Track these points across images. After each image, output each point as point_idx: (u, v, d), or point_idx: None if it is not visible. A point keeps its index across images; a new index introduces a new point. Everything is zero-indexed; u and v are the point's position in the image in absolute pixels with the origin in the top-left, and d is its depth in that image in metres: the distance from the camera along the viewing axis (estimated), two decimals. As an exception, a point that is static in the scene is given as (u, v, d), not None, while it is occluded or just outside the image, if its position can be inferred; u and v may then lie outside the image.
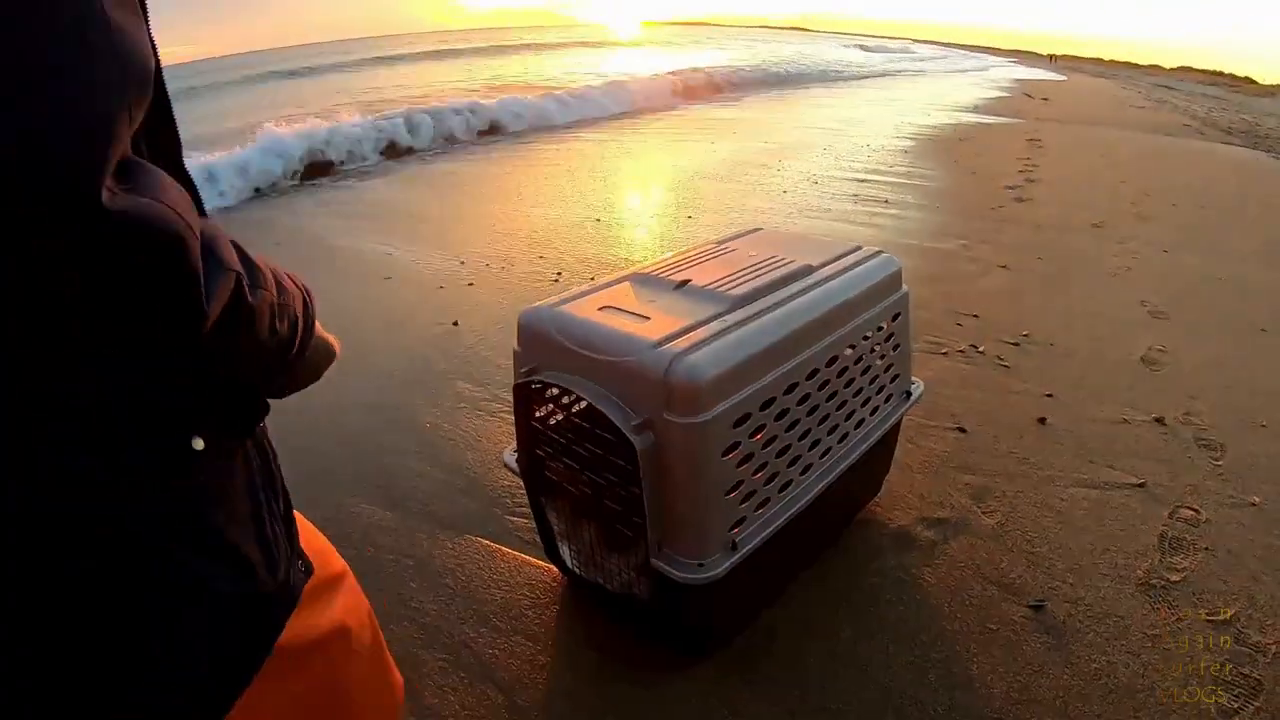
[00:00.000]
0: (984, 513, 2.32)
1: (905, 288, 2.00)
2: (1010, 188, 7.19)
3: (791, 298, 1.69)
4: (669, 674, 1.75)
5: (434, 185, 7.67)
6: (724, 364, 1.46)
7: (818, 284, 1.77)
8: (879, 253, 1.98)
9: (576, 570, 1.88)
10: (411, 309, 4.07)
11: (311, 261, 4.97)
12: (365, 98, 14.95)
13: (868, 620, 1.91)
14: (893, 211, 6.13)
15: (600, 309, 1.65)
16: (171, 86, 0.68)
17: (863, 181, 7.35)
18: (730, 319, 1.58)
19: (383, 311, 4.05)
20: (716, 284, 1.71)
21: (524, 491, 1.93)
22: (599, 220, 5.87)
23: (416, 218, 6.23)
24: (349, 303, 4.17)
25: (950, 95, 17.56)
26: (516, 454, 1.83)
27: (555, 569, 2.03)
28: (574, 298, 1.73)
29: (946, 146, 9.79)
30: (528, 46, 36.92)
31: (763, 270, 1.79)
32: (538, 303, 1.73)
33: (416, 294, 4.32)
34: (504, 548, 2.18)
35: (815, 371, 1.67)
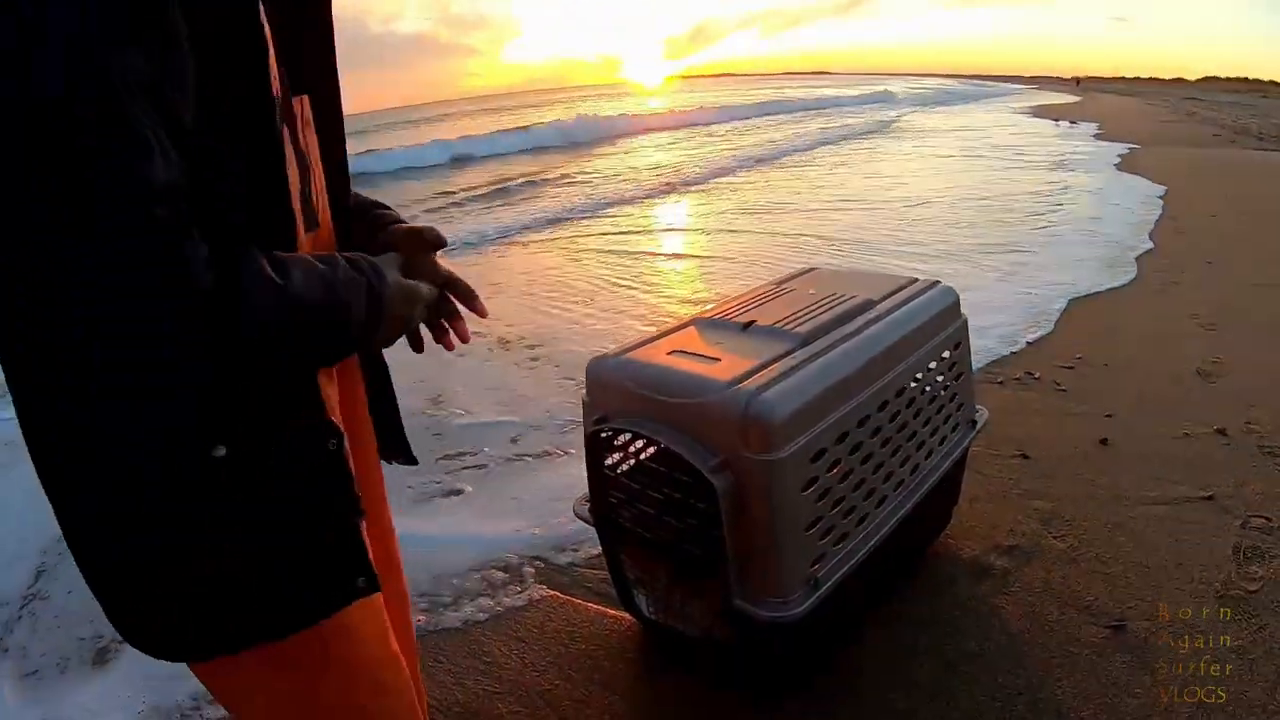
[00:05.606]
0: (1055, 537, 2.29)
1: (964, 315, 2.01)
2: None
3: (856, 332, 1.71)
4: (750, 718, 1.74)
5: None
6: (799, 399, 1.48)
7: (880, 317, 1.79)
8: (936, 283, 2.00)
9: (653, 617, 1.88)
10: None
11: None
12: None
13: (947, 652, 1.88)
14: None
15: (669, 353, 1.67)
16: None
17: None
18: (799, 355, 1.60)
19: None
20: (782, 323, 1.73)
21: (594, 541, 1.93)
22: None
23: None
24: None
25: (980, 125, 17.70)
26: (588, 503, 1.84)
27: (631, 617, 2.02)
28: (639, 345, 1.76)
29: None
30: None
31: (825, 307, 1.81)
32: (603, 352, 1.76)
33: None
34: (576, 599, 2.18)
35: (885, 403, 1.69)
